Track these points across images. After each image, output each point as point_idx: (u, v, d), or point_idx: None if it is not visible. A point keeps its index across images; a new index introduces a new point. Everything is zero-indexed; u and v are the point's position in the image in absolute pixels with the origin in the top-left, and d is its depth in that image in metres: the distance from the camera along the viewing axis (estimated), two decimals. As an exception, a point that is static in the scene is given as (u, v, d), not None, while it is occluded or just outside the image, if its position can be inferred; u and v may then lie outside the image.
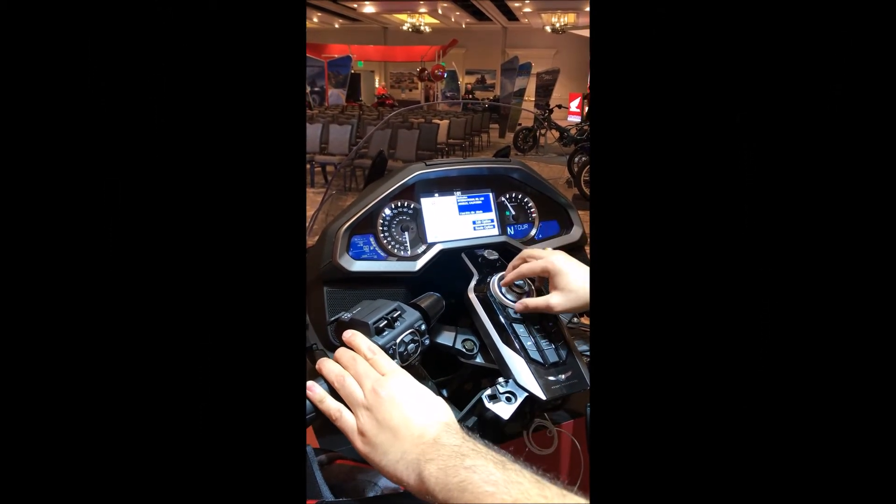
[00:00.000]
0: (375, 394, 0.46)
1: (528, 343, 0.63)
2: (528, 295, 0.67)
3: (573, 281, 0.61)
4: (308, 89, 12.00)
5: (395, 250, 0.80)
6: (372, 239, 0.79)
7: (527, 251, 0.69)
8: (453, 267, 0.76)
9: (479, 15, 14.85)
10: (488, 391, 0.59)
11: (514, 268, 0.67)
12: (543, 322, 0.67)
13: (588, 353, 0.69)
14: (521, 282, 0.68)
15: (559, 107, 9.91)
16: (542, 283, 0.70)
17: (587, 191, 4.96)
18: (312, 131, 5.94)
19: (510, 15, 14.71)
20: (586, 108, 11.60)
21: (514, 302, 0.67)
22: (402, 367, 0.52)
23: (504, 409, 0.58)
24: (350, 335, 0.53)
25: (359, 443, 0.46)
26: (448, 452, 0.40)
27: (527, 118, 10.61)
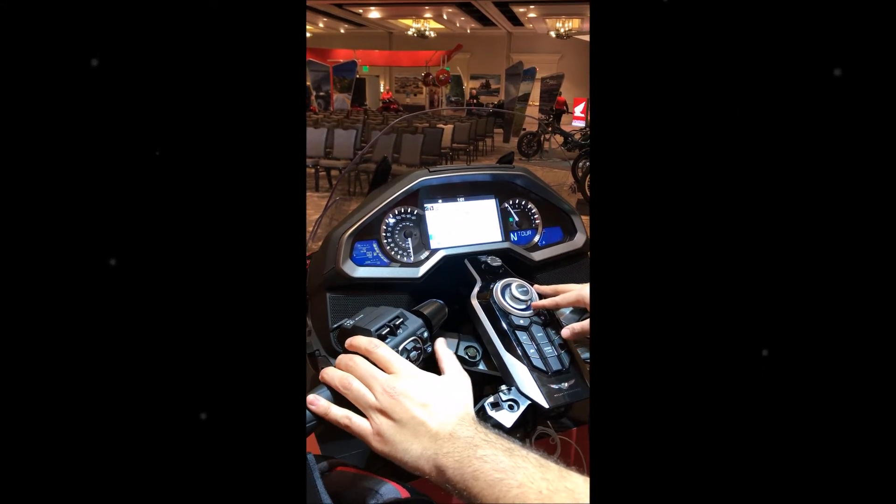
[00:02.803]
0: (387, 395, 0.47)
1: (531, 351, 0.63)
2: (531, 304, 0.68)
3: None
4: (313, 94, 12.06)
5: (399, 256, 0.80)
6: (375, 245, 0.79)
7: (557, 287, 0.70)
8: (456, 273, 0.76)
9: (484, 20, 14.89)
10: (491, 399, 0.59)
11: (545, 295, 0.70)
12: (547, 330, 0.66)
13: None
14: (526, 289, 0.68)
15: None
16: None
17: (591, 196, 4.95)
18: (317, 136, 5.95)
19: (515, 20, 14.75)
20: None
21: (519, 310, 0.67)
22: None
23: (507, 417, 0.58)
24: (352, 340, 0.53)
25: (376, 443, 0.46)
26: (462, 445, 0.43)
27: (531, 123, 10.62)
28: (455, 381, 0.51)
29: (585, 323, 0.65)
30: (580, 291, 0.67)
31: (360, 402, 0.48)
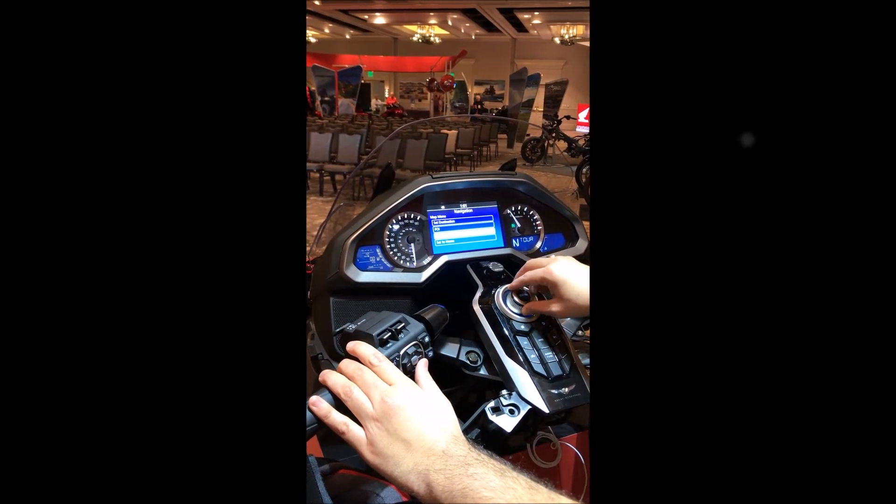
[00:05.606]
0: (385, 405, 0.47)
1: (532, 356, 0.64)
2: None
3: (570, 290, 0.62)
4: (318, 99, 12.12)
5: (401, 262, 0.80)
6: (378, 250, 0.80)
7: (531, 261, 0.69)
8: (458, 279, 0.77)
9: (489, 26, 14.95)
10: (491, 403, 0.60)
11: (520, 277, 0.69)
12: (548, 335, 0.67)
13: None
14: (525, 292, 0.69)
15: (567, 117, 9.93)
16: (544, 290, 0.71)
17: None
18: (322, 140, 5.98)
19: (519, 26, 14.80)
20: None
21: (518, 314, 0.67)
22: None
23: (507, 422, 0.58)
24: (354, 345, 0.54)
25: (368, 454, 0.46)
26: (454, 463, 0.43)
27: (535, 128, 10.63)
28: (445, 402, 0.51)
29: (542, 303, 0.65)
30: (544, 271, 0.64)
31: (359, 410, 0.48)
